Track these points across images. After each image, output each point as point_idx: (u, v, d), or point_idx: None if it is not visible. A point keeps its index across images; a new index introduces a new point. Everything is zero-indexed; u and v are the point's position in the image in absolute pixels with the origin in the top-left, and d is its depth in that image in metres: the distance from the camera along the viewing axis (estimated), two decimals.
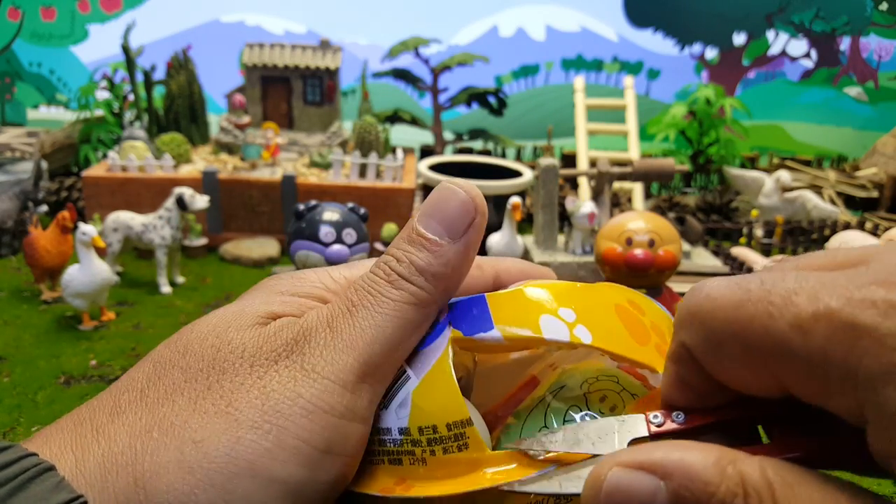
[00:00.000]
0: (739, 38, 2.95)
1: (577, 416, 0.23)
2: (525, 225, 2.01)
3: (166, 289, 1.55)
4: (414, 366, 0.22)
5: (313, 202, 1.09)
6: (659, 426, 0.19)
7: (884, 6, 2.85)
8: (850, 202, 2.37)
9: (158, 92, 2.22)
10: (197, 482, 0.18)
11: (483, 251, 1.68)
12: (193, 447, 0.18)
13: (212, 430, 0.19)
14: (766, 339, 0.15)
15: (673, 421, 0.19)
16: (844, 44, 2.92)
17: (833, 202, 2.30)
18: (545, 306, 0.23)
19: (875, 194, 2.36)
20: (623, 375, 0.24)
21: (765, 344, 0.15)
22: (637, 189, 2.08)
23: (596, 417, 0.23)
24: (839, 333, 0.13)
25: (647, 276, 1.19)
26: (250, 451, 0.19)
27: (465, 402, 0.21)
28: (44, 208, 1.89)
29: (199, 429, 0.19)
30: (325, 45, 2.19)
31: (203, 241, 1.81)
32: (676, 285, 1.43)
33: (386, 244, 1.81)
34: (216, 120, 2.21)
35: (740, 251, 1.70)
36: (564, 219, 1.64)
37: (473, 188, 0.23)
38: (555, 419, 0.23)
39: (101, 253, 1.36)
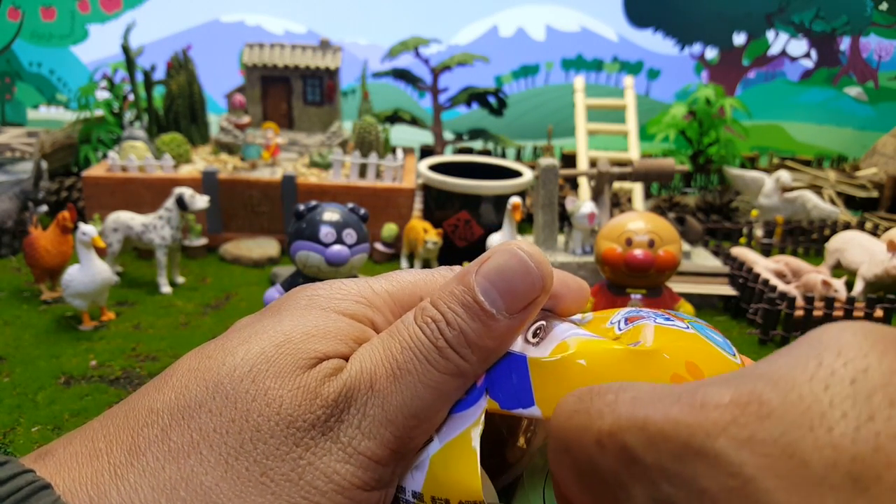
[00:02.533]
0: (739, 38, 2.95)
1: None
2: (525, 225, 2.01)
3: (166, 289, 1.55)
4: (441, 429, 0.21)
5: (313, 202, 1.09)
6: None
7: (884, 6, 2.85)
8: (850, 202, 2.37)
9: (158, 92, 2.22)
10: None
11: (483, 252, 1.68)
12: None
13: (246, 501, 0.18)
14: (580, 452, 0.14)
15: None
16: (844, 44, 2.93)
17: (833, 202, 2.30)
18: (593, 383, 0.20)
19: (875, 194, 2.36)
20: None
21: (579, 456, 0.15)
22: (637, 189, 2.08)
23: None
24: (622, 455, 0.13)
25: (647, 276, 1.19)
26: None
27: (481, 484, 0.20)
28: (44, 208, 1.89)
29: (234, 497, 0.18)
30: (325, 46, 2.19)
31: (203, 241, 1.81)
32: (677, 286, 1.43)
33: (386, 244, 1.81)
34: (216, 120, 2.21)
35: (740, 251, 1.70)
36: (564, 219, 1.64)
37: (544, 262, 0.21)
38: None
39: (102, 253, 1.36)
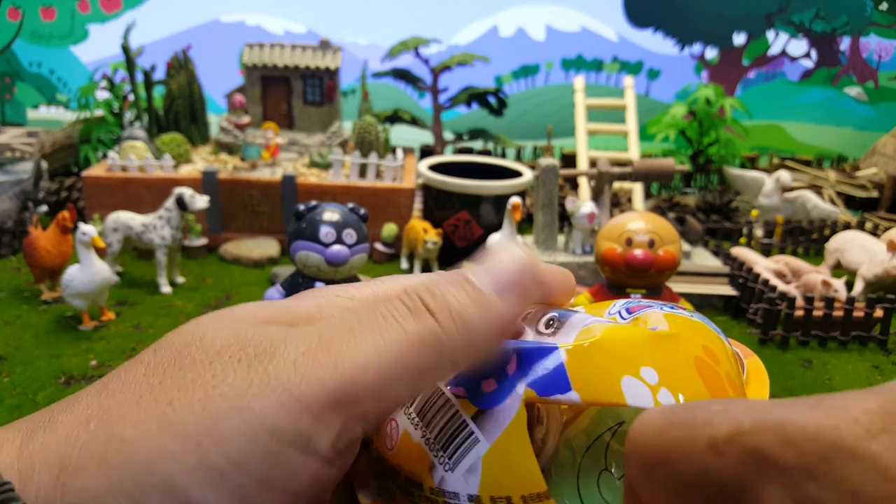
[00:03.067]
0: (739, 38, 2.95)
1: None
2: (525, 225, 2.01)
3: (166, 289, 1.55)
4: (483, 427, 0.20)
5: (313, 202, 1.09)
6: None
7: (884, 6, 2.85)
8: (849, 202, 2.37)
9: (158, 92, 2.22)
10: (111, 486, 0.16)
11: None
12: (119, 446, 0.16)
13: (143, 431, 0.16)
14: (685, 463, 0.14)
15: None
16: (844, 44, 2.93)
17: (833, 202, 2.30)
18: (627, 365, 0.21)
19: (875, 194, 2.36)
20: None
21: (684, 468, 0.14)
22: (637, 189, 2.08)
23: None
24: (749, 458, 0.13)
25: (647, 276, 1.19)
26: (170, 466, 0.16)
27: (541, 473, 0.20)
28: (44, 208, 1.89)
29: (132, 426, 0.17)
30: (325, 45, 2.19)
31: (203, 241, 1.81)
32: (677, 286, 1.43)
33: (386, 244, 1.81)
34: (216, 120, 2.21)
35: (740, 251, 1.70)
36: (564, 219, 1.64)
37: (535, 258, 0.21)
38: (615, 463, 0.22)
39: (101, 253, 1.36)
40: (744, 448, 0.13)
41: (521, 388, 0.20)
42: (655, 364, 0.21)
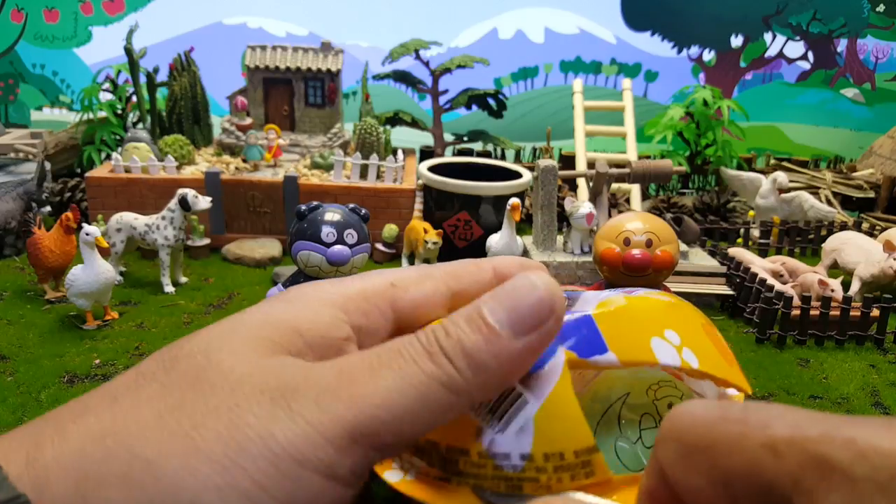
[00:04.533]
0: (737, 41, 2.96)
1: (654, 434, 0.23)
2: (524, 225, 2.03)
3: (169, 288, 1.57)
4: (532, 389, 0.21)
5: (315, 203, 1.10)
6: None
7: (881, 8, 2.87)
8: (846, 203, 2.39)
9: (161, 94, 2.23)
10: (135, 502, 0.16)
11: (482, 252, 1.69)
12: (144, 466, 0.17)
13: (167, 452, 0.17)
14: (735, 456, 0.15)
15: None
16: (841, 45, 2.94)
17: (830, 203, 2.32)
18: (652, 327, 0.22)
19: (871, 195, 2.37)
20: (676, 381, 0.24)
21: (733, 461, 0.15)
22: (635, 190, 2.10)
23: None
24: (812, 463, 0.13)
25: (645, 276, 1.20)
26: (198, 486, 0.16)
27: (589, 428, 0.21)
28: (47, 209, 1.90)
29: (156, 446, 0.17)
30: (326, 48, 2.21)
31: (206, 241, 1.83)
32: (674, 285, 1.45)
33: (387, 244, 1.82)
34: (219, 122, 2.22)
35: (737, 251, 1.72)
36: (563, 219, 1.65)
37: (557, 290, 0.20)
38: (629, 431, 0.23)
39: (105, 253, 1.38)
40: (808, 454, 0.14)
41: (562, 351, 0.21)
42: (676, 327, 0.23)
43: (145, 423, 0.18)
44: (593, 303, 0.23)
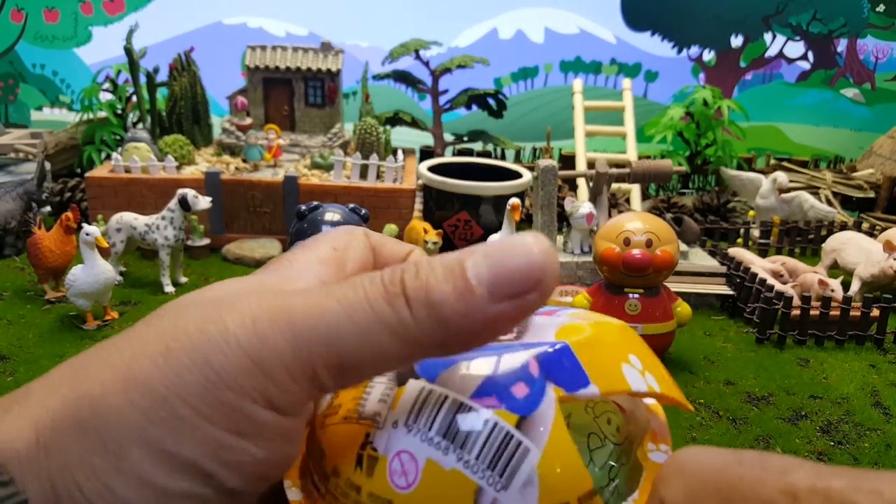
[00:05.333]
0: (737, 41, 2.96)
1: (607, 452, 0.22)
2: (524, 225, 2.03)
3: (169, 288, 1.57)
4: (529, 434, 0.19)
5: (315, 203, 1.11)
6: None
7: (880, 8, 2.87)
8: (846, 203, 2.39)
9: (161, 94, 2.23)
10: (90, 444, 0.16)
11: None
12: (90, 403, 0.16)
13: (111, 388, 0.16)
14: (751, 500, 0.15)
15: None
16: (841, 45, 2.94)
17: (830, 203, 2.32)
18: (619, 354, 0.22)
19: (871, 195, 2.38)
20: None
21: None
22: (635, 190, 2.10)
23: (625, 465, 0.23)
24: None
25: (645, 276, 1.20)
26: (142, 420, 0.16)
27: (587, 470, 0.19)
28: (47, 209, 1.90)
29: (100, 384, 0.17)
30: (326, 48, 2.21)
31: (206, 241, 1.83)
32: (674, 285, 1.45)
33: None
34: (219, 122, 2.22)
35: (737, 251, 1.72)
36: (563, 219, 1.65)
37: (553, 258, 0.17)
38: (581, 453, 0.22)
39: (105, 253, 1.38)
40: (832, 502, 0.13)
41: (551, 388, 0.20)
42: (635, 351, 0.22)
43: (94, 362, 0.17)
44: (551, 330, 0.22)
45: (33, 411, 0.17)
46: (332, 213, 1.09)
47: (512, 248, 0.17)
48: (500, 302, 0.17)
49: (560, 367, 0.20)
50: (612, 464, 0.22)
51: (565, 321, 0.23)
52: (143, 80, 2.15)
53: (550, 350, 0.21)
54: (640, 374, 0.21)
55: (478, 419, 0.19)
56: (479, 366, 0.20)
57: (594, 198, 1.69)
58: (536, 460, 0.18)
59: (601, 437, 0.22)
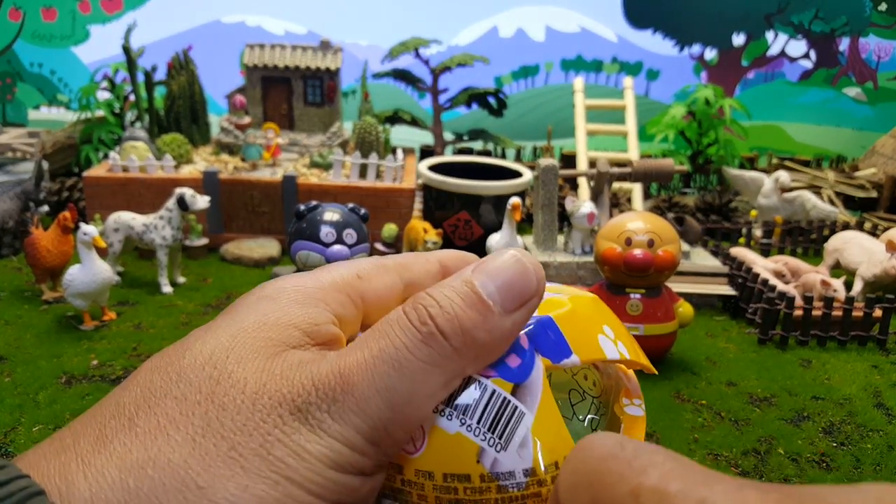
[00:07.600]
0: (739, 39, 2.95)
1: (587, 405, 0.24)
2: (525, 225, 2.02)
3: (167, 289, 1.56)
4: (523, 400, 0.21)
5: (314, 202, 1.10)
6: None
7: (883, 7, 2.86)
8: (848, 202, 2.38)
9: (159, 92, 2.23)
10: None
11: (483, 252, 1.69)
12: (198, 493, 0.17)
13: (216, 476, 0.18)
14: (607, 496, 0.15)
15: None
16: (843, 44, 2.93)
17: (832, 202, 2.31)
18: (594, 326, 0.24)
19: (874, 194, 2.36)
20: None
21: (602, 498, 0.15)
22: (636, 189, 2.09)
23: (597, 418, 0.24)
24: None
25: (647, 276, 1.19)
26: (257, 502, 0.18)
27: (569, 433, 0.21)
28: (45, 209, 1.89)
29: (203, 472, 0.18)
30: (325, 46, 2.20)
31: (204, 241, 1.82)
32: (676, 285, 1.44)
33: (386, 244, 1.81)
34: (217, 120, 2.21)
35: (739, 251, 1.71)
36: (564, 219, 1.64)
37: (538, 265, 0.21)
38: (565, 410, 0.23)
39: (102, 253, 1.37)
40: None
41: (539, 360, 0.22)
42: (607, 321, 0.24)
43: (182, 448, 0.18)
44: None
45: (117, 492, 0.18)
46: (331, 213, 1.08)
47: (508, 264, 0.21)
48: (513, 313, 0.20)
49: (546, 339, 0.22)
50: (593, 416, 0.25)
51: (546, 296, 0.24)
52: (141, 78, 2.14)
53: (537, 322, 0.23)
54: (613, 343, 0.24)
55: (478, 387, 0.21)
56: None
57: (595, 197, 1.68)
58: (530, 423, 0.21)
59: (580, 392, 0.24)
